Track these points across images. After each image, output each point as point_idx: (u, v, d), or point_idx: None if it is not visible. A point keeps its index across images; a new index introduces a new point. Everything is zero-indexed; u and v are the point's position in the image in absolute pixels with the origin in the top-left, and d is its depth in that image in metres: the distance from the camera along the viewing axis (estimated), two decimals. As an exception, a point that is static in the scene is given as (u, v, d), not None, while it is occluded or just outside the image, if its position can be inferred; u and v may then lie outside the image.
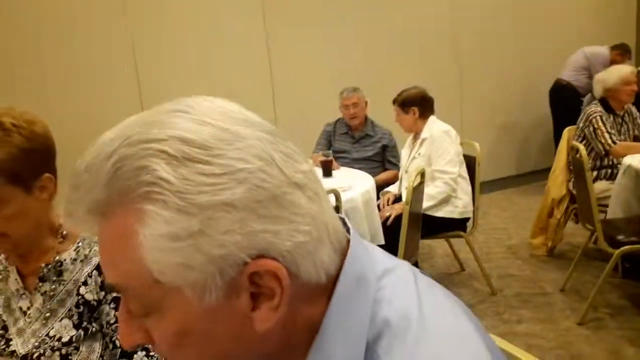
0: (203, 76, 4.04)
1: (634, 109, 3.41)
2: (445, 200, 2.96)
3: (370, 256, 0.57)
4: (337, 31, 4.61)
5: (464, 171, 3.08)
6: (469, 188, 3.09)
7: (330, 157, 3.22)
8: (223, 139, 0.47)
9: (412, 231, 2.56)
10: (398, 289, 0.54)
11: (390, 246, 2.48)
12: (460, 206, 3.01)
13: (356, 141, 3.68)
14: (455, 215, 3.01)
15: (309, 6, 4.48)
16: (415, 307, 0.53)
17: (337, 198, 2.33)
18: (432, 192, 2.91)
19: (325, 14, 4.55)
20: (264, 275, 0.48)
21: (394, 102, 3.19)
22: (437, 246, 3.87)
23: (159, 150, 0.46)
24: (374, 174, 3.26)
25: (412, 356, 0.49)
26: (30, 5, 3.51)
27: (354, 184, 2.82)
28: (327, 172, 3.14)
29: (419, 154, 3.07)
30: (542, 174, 3.81)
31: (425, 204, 2.86)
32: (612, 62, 5.00)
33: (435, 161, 2.96)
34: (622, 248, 2.55)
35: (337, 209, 2.31)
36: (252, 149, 0.48)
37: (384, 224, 2.82)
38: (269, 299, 0.49)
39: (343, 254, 0.54)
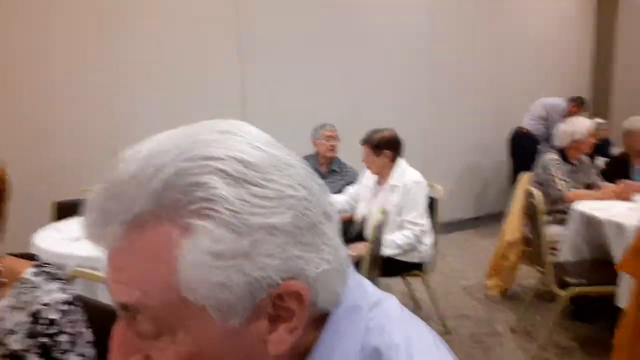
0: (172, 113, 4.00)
1: (586, 159, 3.57)
2: (410, 250, 2.97)
3: (362, 287, 0.59)
4: (309, 69, 4.70)
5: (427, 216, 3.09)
6: (432, 233, 3.10)
7: None
8: (275, 165, 0.49)
9: (371, 270, 2.57)
10: (388, 320, 0.57)
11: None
12: (422, 251, 3.01)
13: (323, 177, 3.70)
14: (416, 260, 3.02)
15: (283, 43, 4.56)
16: (403, 338, 0.55)
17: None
18: (399, 242, 2.90)
19: (299, 52, 4.64)
20: (287, 297, 0.49)
21: (365, 142, 3.08)
22: (394, 285, 3.88)
23: (218, 168, 0.47)
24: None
25: None
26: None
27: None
28: None
29: (391, 203, 2.97)
30: (500, 216, 3.93)
31: (391, 251, 2.86)
32: (569, 113, 5.26)
33: (407, 212, 2.93)
34: (570, 289, 2.63)
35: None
36: (298, 177, 0.51)
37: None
38: (286, 321, 0.50)
39: None
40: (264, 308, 0.49)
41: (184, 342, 0.48)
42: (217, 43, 4.28)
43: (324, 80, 4.78)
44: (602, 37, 7.50)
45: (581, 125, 3.45)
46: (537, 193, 2.85)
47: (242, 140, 0.50)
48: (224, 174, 0.47)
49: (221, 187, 0.46)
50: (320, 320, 0.54)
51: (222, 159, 0.47)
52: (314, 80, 4.73)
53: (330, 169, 3.73)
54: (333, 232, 0.53)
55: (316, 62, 4.73)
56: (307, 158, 3.79)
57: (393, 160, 3.06)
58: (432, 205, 3.17)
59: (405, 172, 3.03)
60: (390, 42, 5.15)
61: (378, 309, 0.58)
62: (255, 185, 0.47)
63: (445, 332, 3.13)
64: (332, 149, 3.70)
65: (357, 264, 2.59)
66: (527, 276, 3.95)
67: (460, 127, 5.81)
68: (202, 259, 0.46)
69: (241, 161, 0.48)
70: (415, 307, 3.52)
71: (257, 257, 0.46)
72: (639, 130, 3.55)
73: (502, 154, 5.91)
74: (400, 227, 2.93)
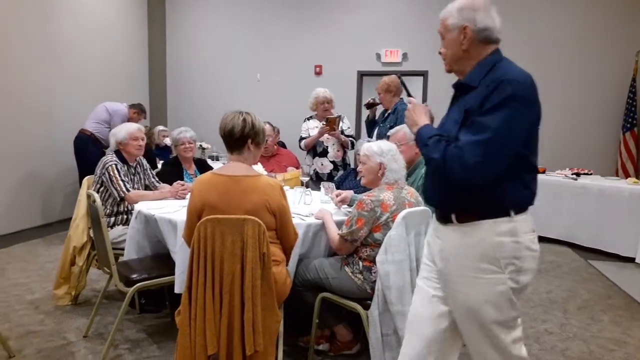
0: None
1: (144, 161, 3.84)
2: None
3: None
4: None
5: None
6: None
7: None
8: None
9: None
10: None
11: None
12: None
13: None
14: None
15: None
16: None
17: None
18: None
19: None
20: None
21: None
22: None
23: None
24: None
25: None
26: None
27: None
28: None
29: None
30: (68, 222, 3.82)
31: None
32: (130, 119, 5.55)
33: None
34: (135, 286, 2.81)
35: None
36: None
37: None
38: None
39: None
40: None
41: None
42: None
43: None
44: (153, 53, 8.22)
45: (122, 129, 3.66)
46: (97, 196, 2.91)
47: None
48: None
49: None
50: None
51: None
52: None
53: None
54: None
55: None
56: None
57: None
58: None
59: None
60: None
61: None
62: None
63: (8, 357, 2.84)
64: None
65: None
66: (98, 280, 4.01)
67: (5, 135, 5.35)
68: None
69: None
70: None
71: None
72: (184, 139, 4.04)
73: (68, 158, 5.74)
74: None
